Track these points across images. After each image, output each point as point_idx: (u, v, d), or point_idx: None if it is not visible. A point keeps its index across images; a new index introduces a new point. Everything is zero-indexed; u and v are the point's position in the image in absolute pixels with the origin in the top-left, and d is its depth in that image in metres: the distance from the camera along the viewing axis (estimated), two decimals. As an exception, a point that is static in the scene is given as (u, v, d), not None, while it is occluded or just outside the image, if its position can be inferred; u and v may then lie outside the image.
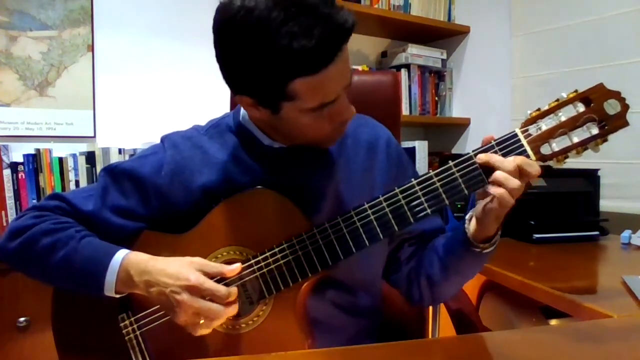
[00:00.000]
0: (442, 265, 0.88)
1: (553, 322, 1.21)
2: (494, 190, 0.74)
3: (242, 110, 0.90)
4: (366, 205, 0.79)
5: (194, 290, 0.74)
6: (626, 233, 1.56)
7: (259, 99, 0.77)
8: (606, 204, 1.78)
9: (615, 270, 1.30)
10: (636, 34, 1.79)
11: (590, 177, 1.71)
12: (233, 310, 0.77)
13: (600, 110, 0.76)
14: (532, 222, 1.58)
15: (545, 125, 0.77)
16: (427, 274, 0.91)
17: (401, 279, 0.96)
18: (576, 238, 1.60)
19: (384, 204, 0.79)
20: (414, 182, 0.79)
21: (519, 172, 0.74)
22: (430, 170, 0.79)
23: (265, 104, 0.78)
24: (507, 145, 0.77)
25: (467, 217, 0.83)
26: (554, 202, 1.66)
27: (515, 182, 0.73)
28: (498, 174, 0.74)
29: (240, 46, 0.72)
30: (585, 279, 1.25)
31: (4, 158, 1.77)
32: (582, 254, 1.48)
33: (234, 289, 0.77)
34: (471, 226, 0.82)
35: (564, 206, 1.68)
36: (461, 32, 2.51)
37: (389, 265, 0.98)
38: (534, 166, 0.74)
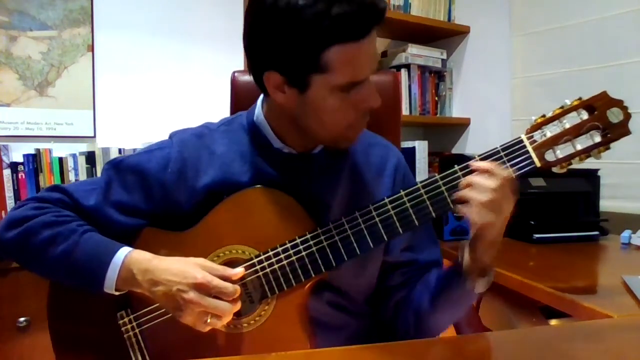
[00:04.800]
0: (431, 297, 0.86)
1: (553, 322, 1.20)
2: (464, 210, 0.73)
3: (257, 110, 0.89)
4: (371, 207, 0.80)
5: (202, 288, 0.74)
6: (626, 233, 1.56)
7: (289, 74, 0.76)
8: (606, 204, 1.78)
9: (615, 270, 1.30)
10: (636, 34, 1.79)
11: (590, 177, 1.71)
12: (237, 307, 0.77)
13: (603, 118, 0.77)
14: (532, 222, 1.58)
15: (549, 131, 0.78)
16: (415, 305, 0.88)
17: (388, 308, 0.94)
18: (576, 238, 1.60)
19: (389, 206, 0.79)
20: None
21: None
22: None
23: (295, 80, 0.76)
24: (513, 151, 0.78)
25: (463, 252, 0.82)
26: (554, 202, 1.66)
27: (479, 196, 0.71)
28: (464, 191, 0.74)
29: (277, 14, 0.71)
30: (585, 279, 1.25)
31: (4, 158, 1.77)
32: (582, 254, 1.48)
33: (238, 287, 0.77)
34: (465, 254, 0.80)
35: (564, 206, 1.68)
36: (461, 32, 2.51)
37: (376, 293, 0.94)
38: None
